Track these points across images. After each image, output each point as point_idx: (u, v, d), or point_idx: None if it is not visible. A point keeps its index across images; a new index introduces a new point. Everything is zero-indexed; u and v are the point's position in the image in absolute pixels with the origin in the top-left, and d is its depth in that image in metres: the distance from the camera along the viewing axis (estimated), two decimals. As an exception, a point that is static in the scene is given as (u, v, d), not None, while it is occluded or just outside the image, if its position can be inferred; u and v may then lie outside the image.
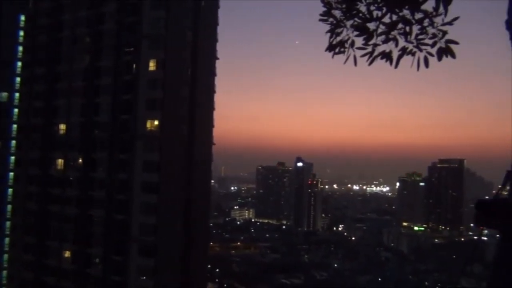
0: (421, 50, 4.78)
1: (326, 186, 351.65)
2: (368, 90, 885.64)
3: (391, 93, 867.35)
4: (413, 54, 4.82)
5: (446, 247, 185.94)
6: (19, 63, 77.07)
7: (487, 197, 3.79)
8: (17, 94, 77.08)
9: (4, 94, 77.73)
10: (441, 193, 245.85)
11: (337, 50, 5.08)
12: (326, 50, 5.08)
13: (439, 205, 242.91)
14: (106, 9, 64.83)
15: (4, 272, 74.16)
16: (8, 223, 75.22)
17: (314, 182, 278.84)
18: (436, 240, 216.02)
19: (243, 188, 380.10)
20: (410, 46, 4.82)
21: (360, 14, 4.91)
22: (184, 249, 60.84)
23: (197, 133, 64.31)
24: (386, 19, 4.82)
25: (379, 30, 4.86)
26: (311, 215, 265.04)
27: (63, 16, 70.02)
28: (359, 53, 5.01)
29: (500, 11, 4.10)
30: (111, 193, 61.36)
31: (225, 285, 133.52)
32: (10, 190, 75.79)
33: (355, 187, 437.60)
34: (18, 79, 77.03)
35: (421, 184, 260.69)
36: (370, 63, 4.96)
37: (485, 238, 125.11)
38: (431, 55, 4.74)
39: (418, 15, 4.69)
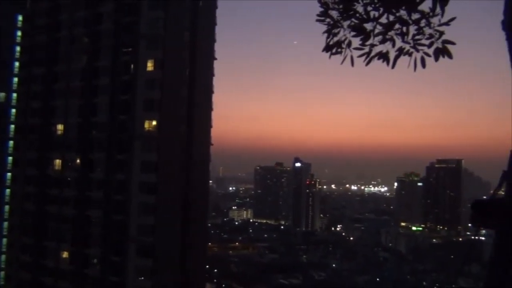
0: (418, 51, 4.79)
1: (324, 186, 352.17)
2: (366, 91, 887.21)
3: (389, 94, 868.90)
4: (410, 54, 4.83)
5: (444, 247, 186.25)
6: (17, 63, 76.94)
7: (484, 197, 3.80)
8: (14, 95, 76.98)
9: (2, 94, 77.62)
10: (439, 193, 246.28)
11: (334, 50, 5.09)
12: (323, 51, 5.09)
13: (437, 205, 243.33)
14: (104, 9, 64.74)
15: (2, 273, 74.03)
16: (5, 224, 75.11)
17: (312, 182, 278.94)
18: (434, 240, 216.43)
19: (241, 189, 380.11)
20: (407, 47, 4.83)
21: (357, 15, 4.92)
22: (182, 250, 60.79)
23: (195, 133, 64.27)
24: (383, 20, 4.84)
25: (376, 31, 4.87)
26: (309, 215, 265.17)
27: (60, 16, 69.91)
28: (356, 53, 5.02)
29: (496, 11, 4.11)
30: (109, 193, 61.26)
31: (223, 285, 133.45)
32: (7, 191, 75.69)
33: (353, 187, 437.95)
34: (15, 79, 76.92)
35: (419, 184, 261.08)
36: (367, 64, 4.98)
37: (483, 238, 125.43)
38: (428, 55, 4.76)
39: (415, 16, 4.70)
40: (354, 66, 5.17)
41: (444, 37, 4.67)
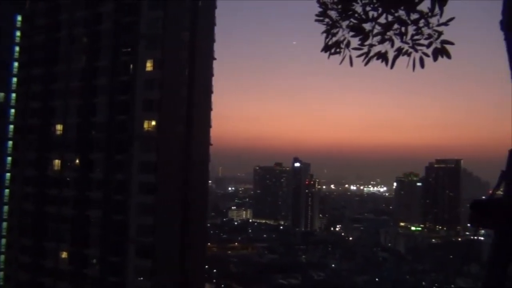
0: (416, 51, 4.79)
1: (324, 187, 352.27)
2: (365, 91, 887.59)
3: (388, 94, 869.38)
4: (409, 54, 4.83)
5: (443, 247, 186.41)
6: (16, 64, 76.86)
7: (483, 197, 3.81)
8: (14, 95, 76.89)
9: (1, 95, 77.50)
10: (438, 193, 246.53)
11: (333, 50, 5.09)
12: (322, 51, 5.09)
13: (436, 205, 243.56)
14: (104, 9, 64.72)
15: (1, 273, 73.92)
16: (4, 224, 75.02)
17: (312, 182, 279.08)
18: (433, 240, 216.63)
19: (240, 189, 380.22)
20: (406, 47, 4.83)
21: (356, 15, 4.92)
22: (182, 250, 60.77)
23: (194, 133, 64.25)
24: (382, 20, 4.84)
25: (375, 31, 4.87)
26: (309, 216, 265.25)
27: (60, 16, 69.87)
28: (355, 53, 5.03)
29: (495, 11, 4.12)
30: (108, 193, 61.23)
31: (222, 285, 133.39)
32: (6, 191, 75.60)
33: (353, 187, 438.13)
34: (14, 79, 76.84)
35: (418, 184, 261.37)
36: (366, 64, 4.98)
37: (482, 238, 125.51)
38: (427, 55, 4.76)
39: (414, 16, 4.71)
40: (353, 66, 5.18)
41: (442, 37, 4.68)
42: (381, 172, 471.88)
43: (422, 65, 4.81)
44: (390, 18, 4.80)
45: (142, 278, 58.14)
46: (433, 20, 4.63)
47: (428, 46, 4.73)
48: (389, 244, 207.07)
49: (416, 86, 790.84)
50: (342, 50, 5.06)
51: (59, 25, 69.90)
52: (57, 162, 69.01)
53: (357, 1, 4.90)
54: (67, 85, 68.08)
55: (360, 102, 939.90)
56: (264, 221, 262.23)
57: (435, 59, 4.71)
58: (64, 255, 65.99)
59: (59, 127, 69.71)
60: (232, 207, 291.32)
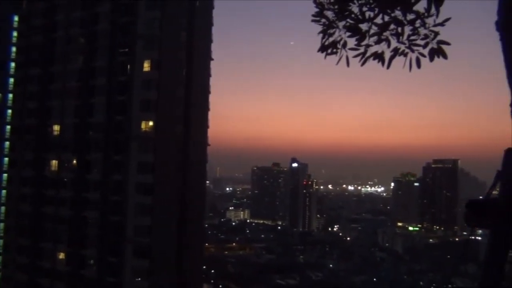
0: (413, 51, 4.80)
1: (321, 187, 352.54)
2: (363, 91, 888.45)
3: (385, 94, 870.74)
4: (405, 55, 4.84)
5: (441, 247, 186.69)
6: (13, 64, 76.68)
7: (481, 197, 3.83)
8: (10, 95, 76.69)
9: (-2, 95, 77.29)
10: (435, 193, 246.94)
11: (329, 51, 5.09)
12: (318, 51, 5.09)
13: (434, 205, 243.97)
14: (101, 9, 64.62)
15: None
16: (2, 225, 74.79)
17: (309, 182, 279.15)
18: (430, 240, 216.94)
19: (238, 189, 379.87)
20: (402, 47, 4.84)
21: (353, 15, 4.93)
22: (179, 250, 60.72)
23: (192, 133, 64.23)
24: (378, 20, 4.84)
25: (372, 31, 4.88)
26: (306, 216, 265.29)
27: (57, 16, 69.74)
28: (351, 53, 5.03)
29: (491, 12, 4.13)
30: (106, 194, 61.14)
31: (220, 286, 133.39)
32: (3, 192, 75.39)
33: (350, 188, 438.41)
34: (11, 79, 76.64)
35: (416, 184, 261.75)
36: (363, 64, 4.98)
37: (479, 238, 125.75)
38: (423, 55, 4.77)
39: (410, 16, 4.71)
40: (349, 67, 5.18)
41: (439, 38, 4.68)
42: (379, 172, 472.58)
43: (418, 65, 4.82)
44: (386, 18, 4.81)
45: (139, 279, 58.10)
46: (430, 21, 4.64)
47: (425, 46, 4.73)
48: (387, 244, 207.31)
49: (412, 86, 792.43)
50: (338, 50, 5.07)
51: (56, 25, 69.77)
52: (54, 162, 68.87)
53: (353, 2, 4.90)
54: (64, 86, 67.97)
55: (357, 102, 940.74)
56: (262, 222, 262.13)
57: (431, 59, 4.72)
58: (61, 255, 65.87)
59: (56, 127, 69.58)
60: (230, 208, 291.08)
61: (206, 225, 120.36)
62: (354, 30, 4.93)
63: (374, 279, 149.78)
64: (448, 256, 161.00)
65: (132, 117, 59.99)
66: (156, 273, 57.15)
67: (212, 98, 68.96)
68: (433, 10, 4.54)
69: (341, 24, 5.01)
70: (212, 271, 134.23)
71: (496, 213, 3.42)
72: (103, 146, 62.54)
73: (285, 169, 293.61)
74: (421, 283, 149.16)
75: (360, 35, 4.91)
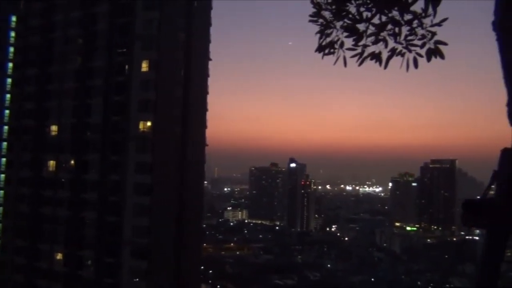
0: (410, 51, 4.81)
1: (319, 187, 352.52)
2: (361, 91, 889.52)
3: (383, 94, 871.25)
4: (403, 55, 4.85)
5: (438, 247, 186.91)
6: (11, 64, 76.52)
7: (478, 197, 3.84)
8: (8, 96, 76.54)
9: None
10: (433, 193, 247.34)
11: (327, 51, 5.10)
12: (316, 51, 5.10)
13: (431, 205, 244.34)
14: (99, 9, 64.54)
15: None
16: (-1, 226, 74.64)
17: (307, 182, 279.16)
18: (428, 240, 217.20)
19: (236, 189, 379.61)
20: (400, 47, 4.85)
21: (350, 15, 4.93)
22: (177, 251, 60.67)
23: (190, 134, 64.19)
24: (376, 20, 4.85)
25: (369, 31, 4.89)
26: (304, 216, 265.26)
27: (55, 16, 69.60)
28: (349, 54, 5.04)
29: (487, 12, 4.14)
30: (104, 195, 61.06)
31: (218, 286, 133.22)
32: (1, 192, 75.21)
33: (348, 188, 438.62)
34: (9, 80, 76.49)
35: (413, 184, 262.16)
36: (360, 64, 5.00)
37: (477, 238, 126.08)
38: (420, 56, 4.78)
39: (407, 16, 4.72)
40: (347, 67, 5.19)
41: (436, 38, 4.69)
42: (377, 172, 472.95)
43: (415, 65, 4.83)
44: (384, 18, 4.82)
45: (137, 279, 58.02)
46: (427, 21, 4.65)
47: (422, 46, 4.74)
48: (385, 244, 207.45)
49: (410, 87, 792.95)
50: (336, 50, 5.07)
51: (54, 26, 69.65)
52: (52, 163, 68.75)
53: (351, 2, 4.91)
54: (62, 86, 67.84)
55: (355, 102, 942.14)
56: (260, 222, 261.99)
57: (428, 59, 4.73)
58: (59, 256, 65.74)
59: (54, 128, 69.47)
60: (228, 208, 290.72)
61: (204, 226, 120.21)
62: (351, 30, 4.94)
63: (372, 279, 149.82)
64: (446, 256, 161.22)
65: (130, 117, 59.93)
66: (154, 274, 57.09)
67: (210, 98, 69.01)
68: (430, 11, 4.56)
69: (338, 24, 5.02)
70: (210, 271, 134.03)
71: (492, 213, 3.43)
72: (101, 147, 62.46)
73: (283, 169, 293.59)
74: (419, 283, 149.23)
75: (358, 35, 4.92)
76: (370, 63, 4.98)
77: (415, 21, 4.71)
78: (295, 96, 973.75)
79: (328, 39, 5.07)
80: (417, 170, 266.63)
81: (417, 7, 4.67)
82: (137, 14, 60.51)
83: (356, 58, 4.98)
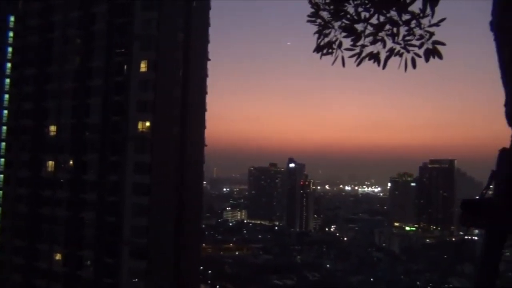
0: (408, 51, 4.81)
1: (318, 187, 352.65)
2: (359, 91, 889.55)
3: (382, 94, 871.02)
4: (401, 55, 4.85)
5: (437, 247, 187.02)
6: (9, 64, 76.46)
7: (477, 197, 3.84)
8: (6, 96, 76.49)
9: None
10: (432, 193, 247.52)
11: (325, 51, 5.10)
12: (314, 51, 5.10)
13: (430, 205, 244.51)
14: (97, 9, 64.53)
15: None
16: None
17: (306, 183, 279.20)
18: (427, 240, 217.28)
19: (235, 189, 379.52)
20: (398, 47, 4.85)
21: (348, 16, 4.93)
22: (176, 251, 60.66)
23: (189, 134, 64.20)
24: (374, 20, 4.85)
25: (367, 31, 4.89)
26: (304, 216, 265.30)
27: (53, 16, 69.57)
28: (347, 54, 5.04)
29: (485, 12, 4.14)
30: (103, 195, 61.02)
31: (217, 286, 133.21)
32: (0, 192, 75.14)
33: (347, 188, 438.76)
34: (7, 80, 76.42)
35: (412, 184, 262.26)
36: (358, 64, 5.00)
37: (476, 238, 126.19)
38: (419, 56, 4.78)
39: (405, 17, 4.72)
40: (345, 67, 5.19)
41: (434, 38, 4.70)
42: (376, 172, 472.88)
43: (414, 65, 4.83)
44: (382, 19, 4.82)
45: (136, 279, 57.99)
46: (425, 21, 4.65)
47: (420, 46, 4.75)
48: (384, 244, 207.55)
49: (408, 87, 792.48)
50: (334, 50, 5.07)
51: (52, 26, 69.61)
52: (50, 163, 68.70)
53: (349, 2, 4.91)
54: (61, 86, 67.80)
55: (354, 102, 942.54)
56: (259, 222, 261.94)
57: (426, 59, 4.73)
58: (58, 256, 65.70)
59: (52, 128, 69.42)
60: (227, 208, 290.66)
61: (203, 226, 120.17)
62: (349, 31, 4.94)
63: (371, 279, 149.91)
64: (445, 256, 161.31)
65: (128, 117, 59.92)
66: (153, 274, 57.07)
67: (209, 99, 69.08)
68: (428, 11, 4.56)
69: (336, 24, 5.02)
70: (209, 271, 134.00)
71: (490, 213, 3.44)
72: (99, 147, 62.44)
73: (282, 169, 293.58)
74: (418, 283, 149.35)
75: (356, 36, 4.92)
76: (368, 63, 4.99)
77: (413, 21, 4.71)
78: (294, 96, 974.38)
79: (326, 39, 5.07)
80: (416, 170, 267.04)
81: (415, 7, 4.68)
82: (135, 14, 60.50)
83: (354, 58, 4.99)
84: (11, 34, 76.58)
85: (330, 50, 5.08)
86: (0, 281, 71.74)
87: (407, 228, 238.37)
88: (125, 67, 61.57)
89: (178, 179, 61.87)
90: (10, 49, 76.59)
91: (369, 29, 4.88)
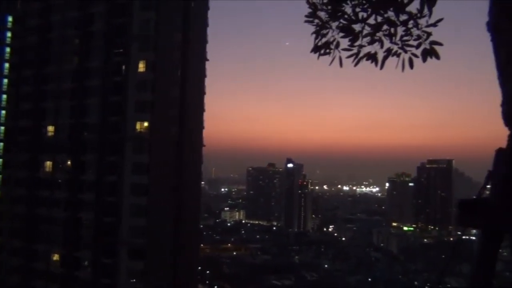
0: (406, 52, 4.82)
1: (316, 187, 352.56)
2: (357, 92, 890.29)
3: (379, 94, 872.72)
4: (398, 55, 4.86)
5: (435, 247, 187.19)
6: (7, 65, 76.32)
7: (474, 197, 3.85)
8: (4, 96, 76.34)
9: (-9, 96, 76.88)
10: (430, 193, 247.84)
11: (322, 51, 5.10)
12: (311, 52, 5.10)
13: (428, 205, 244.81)
14: (96, 10, 64.46)
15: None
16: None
17: (305, 183, 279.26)
18: (425, 240, 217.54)
19: (233, 190, 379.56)
20: (395, 48, 4.86)
21: (346, 16, 4.94)
22: (174, 251, 60.62)
23: (187, 134, 64.16)
24: (371, 21, 4.86)
25: (365, 32, 4.89)
26: (302, 216, 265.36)
27: (51, 17, 69.47)
28: (344, 54, 5.05)
29: (482, 12, 4.15)
30: (100, 195, 60.95)
31: (215, 286, 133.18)
32: (-3, 193, 74.99)
33: (345, 188, 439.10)
34: (5, 80, 76.27)
35: (410, 184, 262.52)
36: (356, 64, 5.00)
37: (473, 238, 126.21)
38: (416, 56, 4.79)
39: (403, 17, 4.73)
40: (343, 67, 5.19)
41: (431, 38, 4.70)
42: (374, 172, 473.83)
43: (411, 65, 4.84)
44: (379, 19, 4.82)
45: (134, 280, 57.93)
46: (422, 21, 4.66)
47: (417, 47, 4.75)
48: (382, 244, 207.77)
49: (406, 87, 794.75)
50: (332, 51, 5.08)
51: (50, 26, 69.50)
52: (48, 163, 68.58)
53: (346, 2, 4.92)
54: (59, 86, 67.70)
55: (351, 103, 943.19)
56: (257, 222, 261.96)
57: (424, 60, 4.74)
58: (55, 257, 65.59)
59: (50, 128, 69.32)
60: (225, 208, 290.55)
61: (201, 226, 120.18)
62: (347, 31, 4.94)
63: (369, 279, 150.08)
64: (443, 256, 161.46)
65: (127, 118, 59.86)
66: (151, 274, 57.02)
67: (207, 99, 69.05)
68: (425, 11, 4.56)
69: (334, 24, 5.02)
70: (207, 271, 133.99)
71: (487, 213, 3.45)
72: (97, 147, 62.36)
73: (280, 169, 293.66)
74: (416, 283, 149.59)
75: (353, 36, 4.92)
76: (366, 64, 4.99)
77: (411, 22, 4.72)
78: (292, 96, 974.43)
79: (324, 40, 5.07)
80: (414, 170, 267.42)
81: (413, 7, 4.68)
82: (134, 14, 60.46)
83: (352, 58, 4.99)
84: (9, 34, 76.44)
85: (327, 51, 5.09)
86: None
87: (405, 228, 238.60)
88: (123, 67, 61.51)
89: (176, 180, 61.83)
90: (8, 49, 76.46)
91: (367, 29, 4.88)
